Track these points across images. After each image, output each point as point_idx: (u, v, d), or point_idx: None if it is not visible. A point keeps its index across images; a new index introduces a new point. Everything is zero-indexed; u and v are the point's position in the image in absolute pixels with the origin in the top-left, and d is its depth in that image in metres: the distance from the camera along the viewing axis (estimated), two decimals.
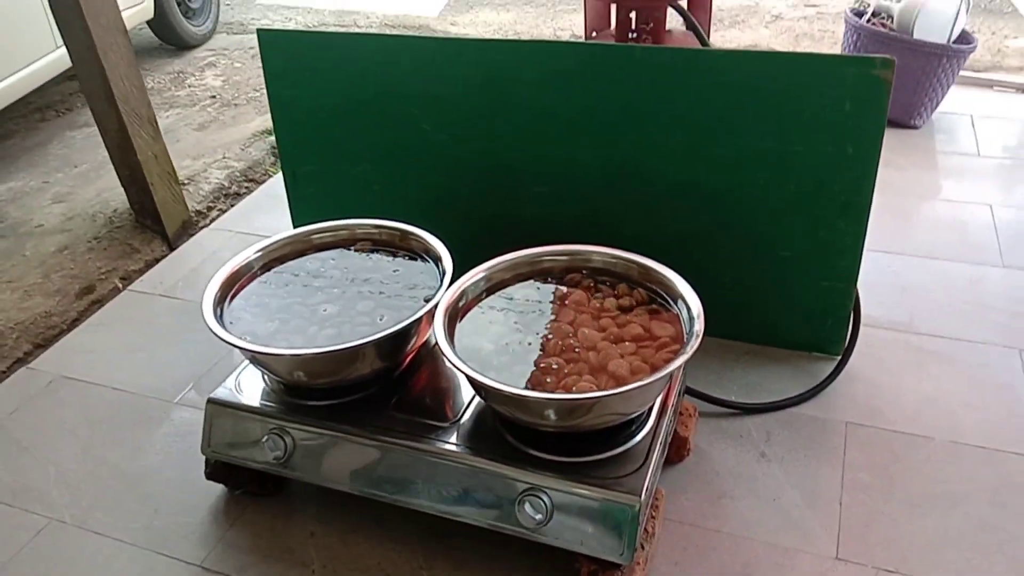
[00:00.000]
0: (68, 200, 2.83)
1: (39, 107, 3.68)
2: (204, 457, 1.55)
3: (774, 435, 1.63)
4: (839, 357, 1.77)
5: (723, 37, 3.92)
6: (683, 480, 1.54)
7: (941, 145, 2.73)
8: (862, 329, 1.81)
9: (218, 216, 2.66)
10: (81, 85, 2.38)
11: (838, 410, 1.67)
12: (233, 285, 1.55)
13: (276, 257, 1.63)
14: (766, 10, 4.25)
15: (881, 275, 2.06)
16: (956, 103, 2.95)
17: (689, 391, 1.67)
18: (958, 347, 1.82)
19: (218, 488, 1.58)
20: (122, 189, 2.60)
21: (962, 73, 3.09)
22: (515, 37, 4.20)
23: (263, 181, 2.89)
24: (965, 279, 2.04)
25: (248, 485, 1.56)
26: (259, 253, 1.60)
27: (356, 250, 1.66)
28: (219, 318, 1.46)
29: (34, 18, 3.17)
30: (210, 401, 1.51)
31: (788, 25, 4.02)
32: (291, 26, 4.70)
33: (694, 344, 1.29)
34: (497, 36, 4.27)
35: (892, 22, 2.81)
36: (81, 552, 1.49)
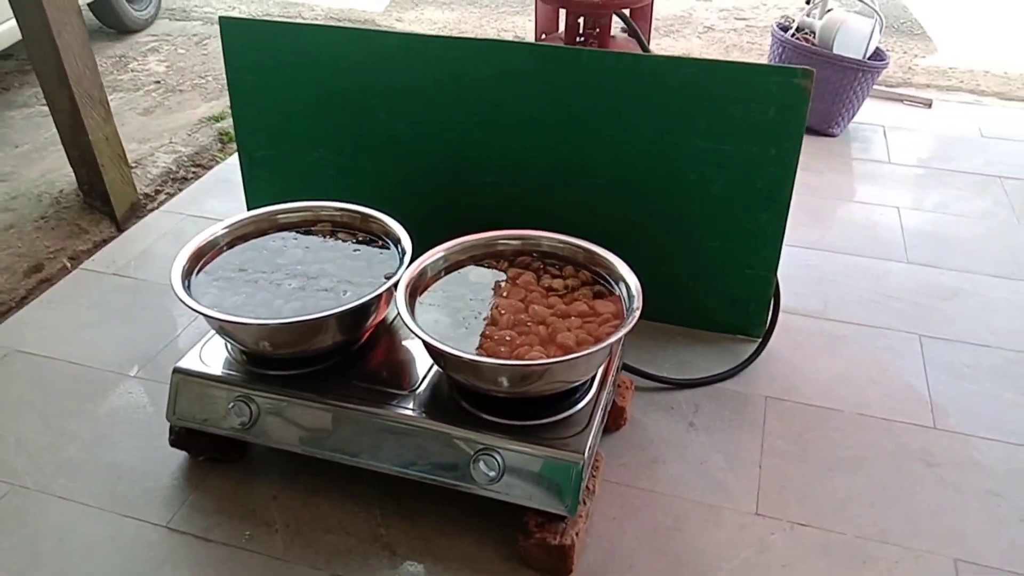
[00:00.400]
0: (11, 179, 2.81)
1: None
2: (167, 425, 1.62)
3: (702, 407, 1.79)
4: (760, 339, 1.95)
5: (659, 45, 4.12)
6: (620, 446, 1.68)
7: (856, 152, 2.96)
8: (782, 315, 1.99)
9: (167, 200, 2.69)
10: (34, 64, 2.38)
11: (759, 386, 1.85)
12: (200, 259, 1.62)
13: (241, 235, 1.70)
14: (699, 21, 4.48)
15: (799, 268, 2.26)
16: (871, 115, 3.20)
17: (626, 367, 1.82)
18: (866, 332, 2.02)
19: (181, 455, 1.65)
20: (68, 170, 2.61)
21: (876, 87, 3.36)
22: (459, 35, 4.31)
23: (211, 167, 2.92)
24: (873, 273, 2.25)
25: (211, 451, 1.63)
26: (225, 230, 1.68)
27: (317, 231, 1.75)
28: (187, 290, 1.53)
29: None
30: (176, 371, 1.58)
31: (719, 36, 4.25)
32: (234, 14, 4.68)
33: (633, 319, 1.43)
34: (443, 34, 4.36)
35: (814, 37, 3.03)
36: (46, 515, 1.54)
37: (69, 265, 2.33)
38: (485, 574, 1.43)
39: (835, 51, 2.94)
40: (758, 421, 1.75)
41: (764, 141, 1.76)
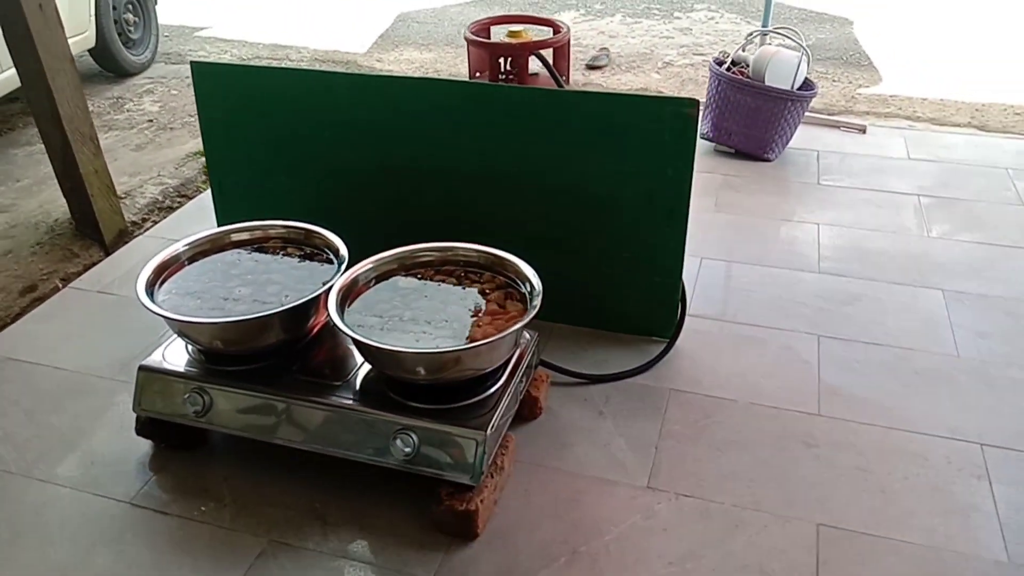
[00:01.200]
0: (11, 211, 3.08)
1: None
2: (135, 416, 1.85)
3: (612, 399, 2.01)
4: (669, 339, 2.17)
5: (618, 80, 4.40)
6: (535, 432, 1.90)
7: (789, 175, 3.20)
8: (694, 319, 2.22)
9: (152, 226, 2.95)
10: (30, 106, 2.65)
11: (665, 380, 2.06)
12: (163, 272, 1.86)
13: (200, 251, 1.94)
14: (659, 58, 4.76)
15: (715, 278, 2.48)
16: (807, 140, 3.44)
17: (544, 363, 2.04)
18: (769, 333, 2.24)
19: (146, 444, 1.87)
20: (63, 201, 2.87)
21: (814, 115, 3.61)
22: (434, 74, 4.60)
23: (194, 196, 3.19)
24: (785, 281, 2.47)
25: (172, 439, 1.86)
26: (186, 247, 1.92)
27: (269, 247, 1.99)
28: (151, 298, 1.77)
29: None
30: (141, 368, 1.81)
31: (676, 71, 4.52)
32: (226, 58, 5.01)
33: (531, 314, 1.66)
34: (419, 73, 4.66)
35: (749, 70, 3.29)
36: (27, 495, 1.76)
37: (60, 285, 2.58)
38: (404, 538, 1.64)
39: (767, 83, 3.19)
40: (660, 410, 1.97)
41: (661, 162, 1.99)
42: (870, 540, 1.62)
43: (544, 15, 3.18)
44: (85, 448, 1.89)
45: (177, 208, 3.09)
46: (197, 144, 3.65)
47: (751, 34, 3.45)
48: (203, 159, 3.48)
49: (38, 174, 3.37)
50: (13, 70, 3.50)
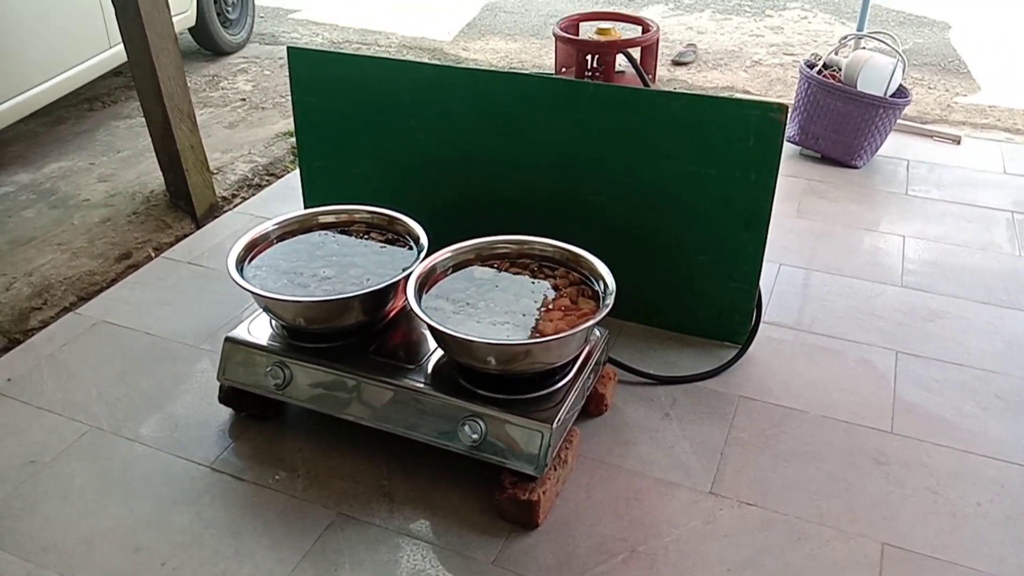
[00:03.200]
0: (111, 180, 3.25)
1: (88, 98, 4.11)
2: (218, 385, 1.94)
3: (679, 401, 2.00)
4: (742, 345, 2.15)
5: (704, 77, 4.33)
6: (599, 428, 1.92)
7: (875, 184, 3.11)
8: (768, 326, 2.19)
9: (241, 203, 3.07)
10: (135, 82, 2.79)
11: (734, 386, 2.05)
12: (253, 249, 1.95)
13: (288, 230, 2.02)
14: (748, 56, 4.67)
15: (792, 286, 2.44)
16: (897, 149, 3.34)
17: (612, 360, 2.05)
18: (846, 345, 2.20)
19: (226, 411, 1.97)
20: (159, 173, 3.02)
21: (908, 123, 3.50)
22: (519, 65, 4.63)
23: (282, 176, 3.30)
24: (865, 293, 2.41)
25: (252, 409, 1.95)
26: (275, 226, 2.00)
27: (352, 230, 2.05)
28: (240, 273, 1.86)
29: (92, 22, 3.61)
30: (227, 339, 1.90)
31: (765, 71, 4.43)
32: (318, 40, 5.15)
33: (603, 312, 1.67)
34: (503, 63, 4.69)
35: (840, 74, 3.20)
36: (115, 451, 1.88)
37: (153, 254, 2.72)
38: (466, 522, 1.68)
39: (859, 88, 3.10)
40: (728, 416, 1.96)
41: (745, 167, 1.97)
42: (936, 564, 1.59)
43: (634, 11, 3.16)
44: (169, 411, 2.00)
45: (265, 186, 3.20)
46: (286, 124, 3.77)
47: (845, 37, 3.36)
48: (291, 139, 3.60)
49: (137, 146, 3.54)
50: (118, 47, 3.71)
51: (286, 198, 3.07)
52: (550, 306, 1.76)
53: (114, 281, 2.57)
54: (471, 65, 4.52)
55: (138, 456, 1.87)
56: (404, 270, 1.86)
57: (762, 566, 1.58)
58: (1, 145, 3.54)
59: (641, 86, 2.30)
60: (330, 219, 2.07)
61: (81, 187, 3.20)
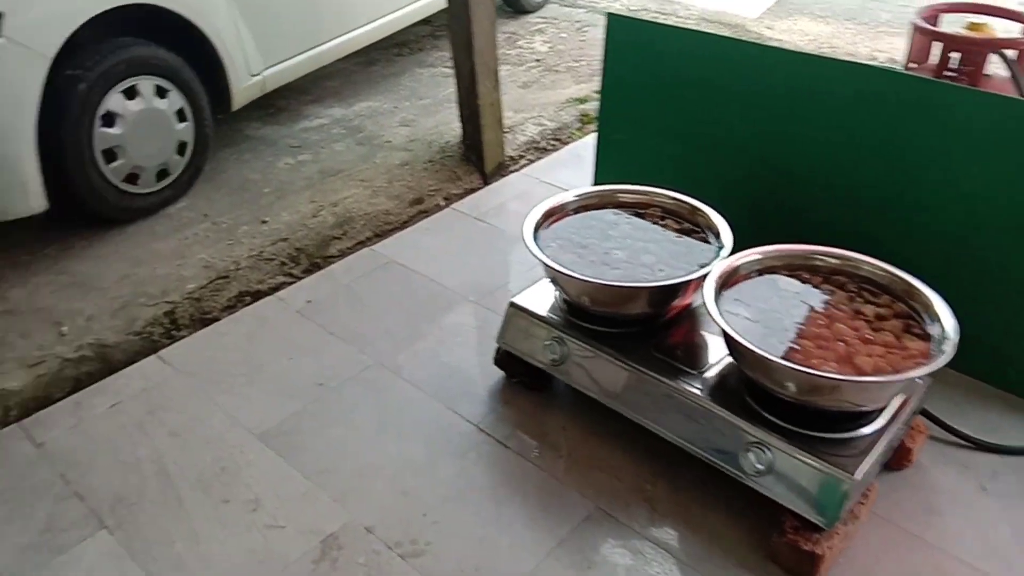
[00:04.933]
0: (412, 125, 3.42)
1: (397, 43, 4.36)
2: (494, 346, 1.95)
3: (1000, 475, 1.69)
4: None
5: None
6: (899, 485, 1.67)
7: None
8: None
9: (527, 165, 3.09)
10: (450, 34, 2.87)
11: None
12: (549, 218, 1.91)
13: (586, 204, 1.96)
14: None
15: None
16: None
17: (925, 413, 1.77)
18: None
19: (499, 373, 1.97)
20: (456, 125, 3.11)
21: None
22: (829, 51, 4.22)
23: (568, 142, 3.27)
24: None
25: (523, 377, 1.93)
26: (575, 198, 1.95)
27: (648, 214, 1.94)
28: (535, 241, 1.82)
29: None
30: (511, 304, 1.89)
31: None
32: (615, 7, 5.06)
33: (940, 361, 1.42)
34: (812, 47, 4.30)
35: None
36: (391, 389, 1.96)
37: (443, 203, 2.81)
38: (731, 554, 1.54)
39: None
40: None
41: None
42: None
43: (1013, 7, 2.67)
44: (446, 361, 2.04)
45: (551, 151, 3.19)
46: (578, 90, 3.74)
47: None
48: (581, 106, 3.56)
49: (438, 95, 3.69)
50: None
51: (571, 165, 3.03)
52: (870, 337, 1.54)
53: (406, 224, 2.70)
54: (775, 45, 4.19)
55: (413, 399, 1.93)
56: (701, 266, 1.72)
57: None
58: (321, 79, 3.85)
59: (1017, 96, 1.93)
60: (628, 199, 1.97)
61: (385, 128, 3.40)
